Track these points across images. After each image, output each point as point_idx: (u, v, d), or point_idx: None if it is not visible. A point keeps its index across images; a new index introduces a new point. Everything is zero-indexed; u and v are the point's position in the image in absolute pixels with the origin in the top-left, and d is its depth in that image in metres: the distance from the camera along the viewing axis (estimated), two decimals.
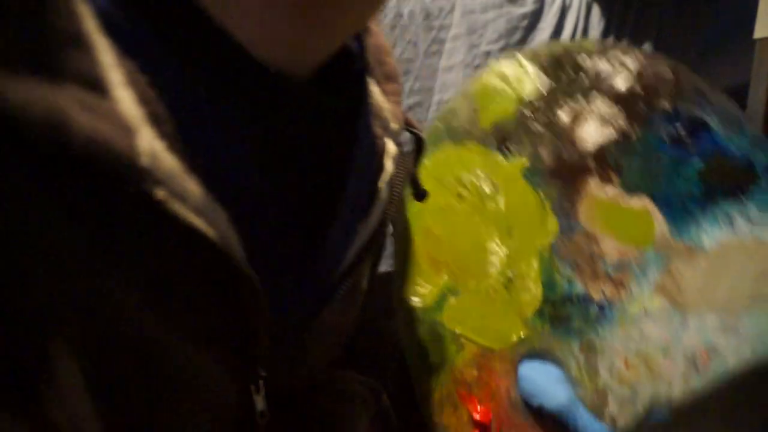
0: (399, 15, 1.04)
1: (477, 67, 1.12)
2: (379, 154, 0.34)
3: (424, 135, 0.40)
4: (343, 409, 0.36)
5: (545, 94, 0.36)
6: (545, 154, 0.36)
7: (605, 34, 1.34)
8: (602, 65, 0.37)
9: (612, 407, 0.34)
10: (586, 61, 0.37)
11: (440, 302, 0.36)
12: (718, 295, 0.34)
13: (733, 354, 0.33)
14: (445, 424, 0.35)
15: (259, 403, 0.30)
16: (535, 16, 1.19)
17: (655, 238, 0.35)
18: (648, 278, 0.35)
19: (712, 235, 0.35)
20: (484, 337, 0.35)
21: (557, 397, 0.33)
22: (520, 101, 0.37)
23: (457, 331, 0.36)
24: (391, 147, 0.35)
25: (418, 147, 0.40)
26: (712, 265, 0.35)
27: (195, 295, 0.25)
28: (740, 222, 0.34)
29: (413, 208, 0.37)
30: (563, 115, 0.36)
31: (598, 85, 0.36)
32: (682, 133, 0.36)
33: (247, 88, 0.25)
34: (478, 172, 0.36)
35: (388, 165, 0.35)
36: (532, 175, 0.36)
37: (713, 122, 0.36)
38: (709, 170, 0.35)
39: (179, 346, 0.25)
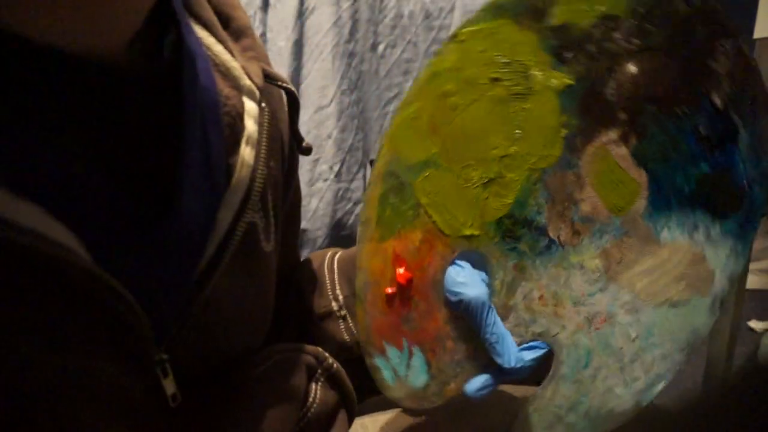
0: (399, 15, 1.04)
1: None
2: (232, 115, 0.33)
3: (292, 88, 0.40)
4: (257, 379, 0.37)
5: (629, 23, 0.35)
6: (590, 82, 0.35)
7: None
8: (700, 26, 0.36)
9: (508, 324, 0.37)
10: (683, 16, 0.36)
11: (421, 167, 0.36)
12: (642, 283, 0.37)
13: (621, 329, 0.37)
14: (370, 270, 0.38)
15: (169, 386, 0.31)
16: None
17: (629, 212, 0.36)
18: (600, 241, 0.37)
19: (672, 233, 0.37)
20: (441, 218, 0.37)
21: (478, 289, 0.36)
22: (601, 16, 0.35)
23: (422, 200, 0.36)
24: (249, 106, 0.34)
25: (290, 101, 0.40)
26: (654, 257, 0.37)
27: (61, 309, 0.26)
28: (700, 234, 0.37)
29: (445, 63, 0.36)
30: (630, 54, 0.35)
31: (683, 42, 0.36)
32: (713, 137, 0.36)
33: (45, 83, 0.25)
34: (522, 64, 0.35)
35: (249, 125, 0.34)
36: (565, 95, 0.35)
37: (743, 139, 0.36)
38: (709, 180, 0.36)
39: (68, 359, 0.26)
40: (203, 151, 0.31)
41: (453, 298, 0.36)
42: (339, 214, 1.03)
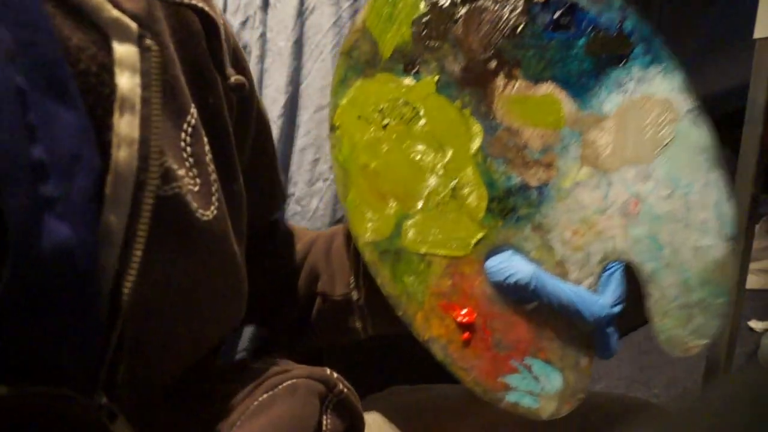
0: None
1: None
2: (90, 74, 0.24)
3: (202, 6, 0.32)
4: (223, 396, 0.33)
5: (430, 8, 0.38)
6: (449, 65, 0.38)
7: None
8: None
9: (573, 273, 0.38)
10: None
11: (397, 230, 0.38)
12: (628, 152, 0.39)
13: (653, 195, 0.38)
14: (436, 336, 0.38)
15: (122, 429, 0.26)
16: None
17: (566, 117, 0.39)
18: (570, 153, 0.39)
19: (610, 101, 0.39)
20: (447, 249, 0.38)
21: (524, 270, 0.36)
22: (412, 22, 0.39)
23: (422, 251, 0.38)
24: (122, 51, 0.25)
25: (204, 23, 0.32)
26: (616, 127, 0.39)
27: None
28: (628, 84, 0.39)
29: (344, 152, 0.39)
30: (453, 25, 0.39)
31: None
32: (560, 17, 0.39)
33: None
34: (394, 99, 0.39)
35: (124, 82, 0.25)
36: (444, 88, 0.38)
37: (582, 2, 0.39)
38: (591, 44, 0.39)
39: None
40: (22, 144, 0.21)
41: (511, 290, 0.37)
42: (339, 214, 1.02)
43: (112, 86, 0.25)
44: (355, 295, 0.43)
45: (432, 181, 0.38)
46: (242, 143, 0.39)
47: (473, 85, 0.39)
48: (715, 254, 0.39)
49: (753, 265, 1.44)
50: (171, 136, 0.29)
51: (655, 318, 0.39)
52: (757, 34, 0.82)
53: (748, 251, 0.86)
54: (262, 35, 0.96)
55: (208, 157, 0.32)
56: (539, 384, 0.38)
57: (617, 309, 0.37)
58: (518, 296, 0.37)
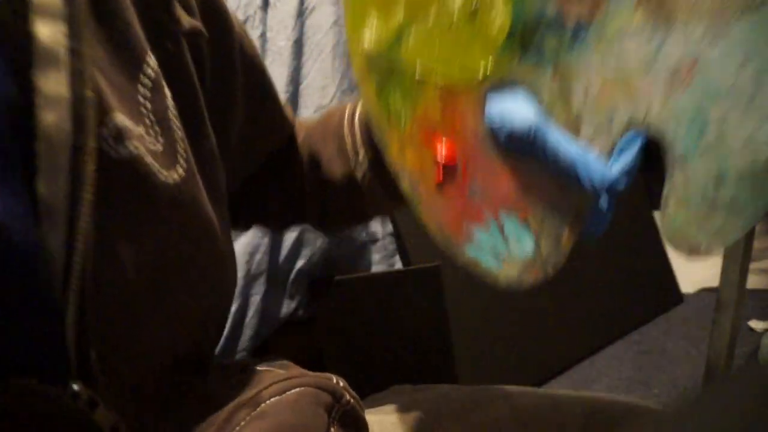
0: None
1: None
2: None
3: None
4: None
5: None
6: None
7: None
8: None
9: (586, 132, 0.32)
10: None
11: (399, 39, 0.31)
12: (705, 6, 0.31)
13: (719, 63, 0.32)
14: (409, 168, 0.32)
15: (104, 419, 0.24)
16: None
17: None
18: None
19: None
20: (448, 72, 0.32)
21: (525, 115, 0.31)
22: None
23: (419, 68, 0.32)
24: None
25: None
26: None
27: None
28: None
29: None
30: None
31: None
32: None
33: None
34: None
35: (44, 32, 0.22)
36: None
37: None
38: None
39: None
40: None
41: (502, 135, 0.31)
42: None
43: (29, 37, 0.21)
44: (358, 172, 0.39)
45: None
46: (231, 96, 0.36)
47: None
48: None
49: (753, 265, 1.44)
50: (125, 89, 0.25)
51: (669, 204, 0.33)
52: None
53: (748, 251, 0.86)
54: (262, 35, 0.96)
55: (171, 113, 0.29)
56: (507, 246, 0.33)
57: (622, 183, 0.32)
58: (512, 145, 0.32)
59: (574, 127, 0.32)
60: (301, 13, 0.99)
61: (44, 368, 0.23)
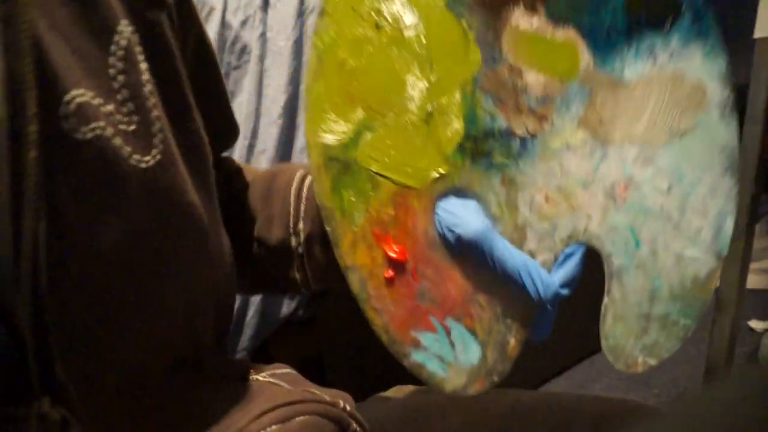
0: None
1: None
2: None
3: None
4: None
5: None
6: None
7: None
8: None
9: (531, 242, 0.34)
10: None
11: (356, 139, 0.33)
12: (637, 129, 0.34)
13: (649, 184, 0.34)
14: (359, 265, 0.33)
15: None
16: None
17: (580, 71, 0.35)
18: (571, 112, 0.34)
19: (634, 68, 0.35)
20: (402, 175, 0.33)
21: (474, 224, 0.32)
22: None
23: (373, 168, 0.33)
24: None
25: None
26: (632, 99, 0.35)
27: None
28: (661, 55, 0.35)
29: (326, 41, 0.33)
30: None
31: None
32: None
33: None
34: (398, 1, 0.33)
35: None
36: (455, 3, 0.33)
37: None
38: (634, 2, 0.34)
39: None
40: None
41: (452, 242, 0.32)
42: None
43: None
44: (293, 242, 0.38)
45: (408, 97, 0.33)
46: (194, 60, 0.34)
47: (487, 8, 0.34)
48: (698, 269, 0.35)
49: (753, 265, 1.44)
50: (92, 59, 0.23)
51: (606, 319, 0.35)
52: (757, 33, 0.82)
53: (748, 251, 0.86)
54: (262, 35, 0.96)
55: (147, 89, 0.26)
56: (453, 352, 0.33)
57: (565, 291, 0.34)
58: (460, 251, 0.33)
59: (519, 236, 0.34)
60: (301, 13, 0.99)
61: (3, 386, 0.20)
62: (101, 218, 0.24)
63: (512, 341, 0.34)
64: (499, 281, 0.33)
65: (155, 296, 0.27)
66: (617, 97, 0.35)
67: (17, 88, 0.19)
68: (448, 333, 0.34)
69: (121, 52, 0.24)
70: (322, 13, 0.34)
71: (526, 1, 0.34)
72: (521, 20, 0.34)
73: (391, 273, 0.33)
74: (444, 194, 0.34)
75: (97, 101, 0.23)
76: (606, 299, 0.35)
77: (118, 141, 0.24)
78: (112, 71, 0.24)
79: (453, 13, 0.33)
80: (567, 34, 0.34)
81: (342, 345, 0.90)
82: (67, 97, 0.22)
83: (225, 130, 0.40)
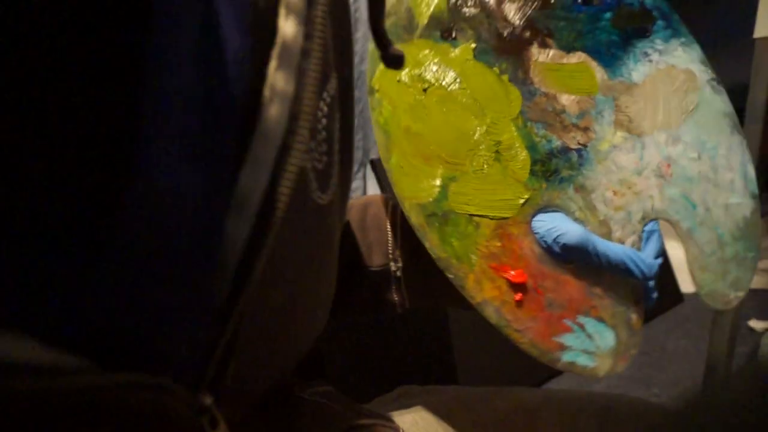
0: None
1: None
2: (259, 7, 0.21)
3: None
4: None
5: None
6: (485, 33, 0.40)
7: None
8: None
9: (617, 232, 0.40)
10: None
11: (444, 192, 0.38)
12: (658, 117, 0.42)
13: (684, 158, 0.42)
14: (489, 299, 0.37)
15: None
16: None
17: (599, 84, 0.42)
18: (605, 118, 0.41)
19: (638, 70, 0.42)
20: (494, 210, 0.38)
21: (574, 231, 0.37)
22: None
23: (469, 212, 0.38)
24: None
25: None
26: (646, 94, 0.42)
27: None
28: (653, 55, 0.43)
29: (385, 114, 0.38)
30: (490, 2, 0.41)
31: None
32: None
33: None
34: (433, 64, 0.39)
35: (288, 28, 0.21)
36: (481, 55, 0.40)
37: None
38: (617, 18, 0.42)
39: None
40: (198, 66, 0.19)
41: (559, 249, 0.37)
42: None
43: (274, 31, 0.21)
44: (393, 266, 0.42)
45: (475, 143, 0.39)
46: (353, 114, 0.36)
47: (509, 52, 0.40)
48: (743, 211, 0.41)
49: None
50: (311, 100, 0.24)
51: (695, 273, 0.41)
52: (757, 33, 0.82)
53: None
54: None
55: (337, 136, 0.28)
56: (593, 342, 0.38)
57: (659, 261, 0.39)
58: (567, 256, 0.38)
59: (606, 230, 0.40)
60: None
61: (180, 373, 0.21)
62: (293, 243, 0.25)
63: (634, 316, 0.39)
64: (605, 272, 0.39)
65: (296, 325, 0.28)
66: (635, 97, 0.42)
67: (298, 111, 0.22)
68: (583, 328, 0.38)
69: (329, 100, 0.26)
70: (371, 90, 0.39)
71: (537, 40, 0.41)
72: (540, 55, 0.41)
73: (519, 296, 0.38)
74: (534, 215, 0.39)
75: (307, 138, 0.24)
76: (688, 259, 0.41)
77: (311, 175, 0.25)
78: (319, 113, 0.26)
79: (483, 63, 0.40)
80: (579, 58, 0.41)
81: (343, 346, 0.90)
82: (307, 126, 0.23)
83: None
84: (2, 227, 0.16)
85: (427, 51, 0.39)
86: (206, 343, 0.21)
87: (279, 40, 0.21)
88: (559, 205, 0.39)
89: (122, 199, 0.17)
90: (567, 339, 0.38)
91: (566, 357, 0.38)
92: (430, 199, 0.38)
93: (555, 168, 0.40)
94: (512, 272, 0.38)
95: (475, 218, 0.38)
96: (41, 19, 0.15)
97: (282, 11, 0.21)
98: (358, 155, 1.03)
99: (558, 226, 0.38)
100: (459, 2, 0.40)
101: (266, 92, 0.21)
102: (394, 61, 0.29)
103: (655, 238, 0.40)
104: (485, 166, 0.38)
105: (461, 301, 0.38)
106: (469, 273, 0.37)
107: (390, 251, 0.42)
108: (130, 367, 0.19)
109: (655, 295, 0.40)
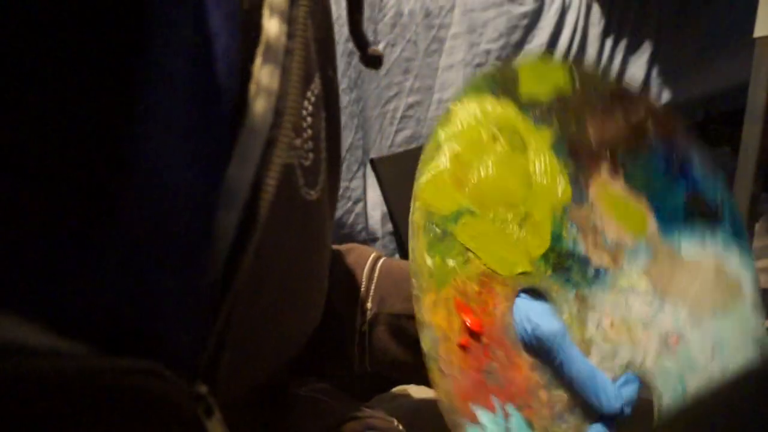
0: (399, 14, 1.04)
1: (477, 65, 1.12)
2: (247, 11, 0.22)
3: None
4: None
5: (573, 92, 0.41)
6: (568, 135, 0.40)
7: (605, 33, 1.33)
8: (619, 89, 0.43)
9: (594, 359, 0.37)
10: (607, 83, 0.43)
11: (457, 216, 0.36)
12: (689, 294, 0.40)
13: (697, 345, 0.39)
14: (436, 325, 0.34)
15: (216, 429, 0.23)
16: (535, 15, 1.19)
17: (648, 234, 0.40)
18: (638, 262, 0.40)
19: (689, 247, 0.41)
20: (492, 260, 0.36)
21: (553, 324, 0.34)
22: (556, 91, 0.40)
23: (469, 245, 0.36)
24: None
25: None
26: (685, 271, 0.40)
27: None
28: (710, 245, 0.41)
29: (447, 132, 0.38)
30: (586, 113, 0.41)
31: (620, 104, 0.42)
32: (675, 161, 0.42)
33: None
34: (512, 127, 0.39)
35: (272, 27, 0.23)
36: (555, 147, 0.39)
37: (696, 161, 0.42)
38: (691, 200, 0.41)
39: None
40: (191, 62, 0.20)
41: (528, 333, 0.34)
42: (339, 213, 1.02)
43: (258, 30, 0.23)
44: (359, 319, 0.39)
45: (508, 203, 0.38)
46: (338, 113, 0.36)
47: (580, 159, 0.40)
48: None
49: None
50: (295, 100, 0.26)
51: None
52: (757, 33, 0.82)
53: None
54: None
55: (323, 134, 0.29)
56: None
57: (628, 410, 0.35)
58: (532, 344, 0.34)
59: (585, 349, 0.37)
60: None
61: (175, 360, 0.21)
62: (281, 235, 0.26)
63: None
64: (561, 384, 0.35)
65: (291, 315, 0.29)
66: (674, 266, 0.40)
67: (283, 106, 0.23)
68: (506, 418, 0.34)
69: (313, 98, 0.28)
70: (449, 110, 0.38)
71: (611, 165, 0.40)
72: (606, 176, 0.40)
73: (466, 341, 0.34)
74: (525, 290, 0.37)
75: (292, 134, 0.25)
76: (656, 413, 0.38)
77: (298, 171, 0.27)
78: (305, 112, 0.27)
79: (554, 153, 0.40)
80: (640, 202, 0.41)
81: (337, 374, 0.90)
82: (291, 121, 0.24)
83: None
84: (4, 214, 0.16)
85: (513, 115, 0.39)
86: (200, 331, 0.22)
87: (264, 38, 0.22)
88: (553, 298, 0.37)
89: (121, 189, 0.18)
90: (484, 416, 0.34)
91: (471, 431, 0.33)
92: (440, 214, 0.36)
93: (568, 266, 0.38)
94: (472, 318, 0.35)
95: (470, 254, 0.36)
96: (39, 16, 0.16)
97: (266, 11, 0.23)
98: (358, 155, 1.02)
99: (539, 310, 0.35)
100: (558, 102, 0.40)
101: (252, 88, 0.22)
102: (372, 62, 0.31)
103: (631, 388, 0.35)
104: (505, 224, 0.37)
105: (424, 378, 0.34)
106: (432, 292, 0.35)
107: (360, 302, 0.39)
108: (128, 353, 0.19)
109: None
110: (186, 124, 0.20)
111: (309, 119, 0.27)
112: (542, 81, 0.40)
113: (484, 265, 0.36)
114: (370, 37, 1.05)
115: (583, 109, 0.41)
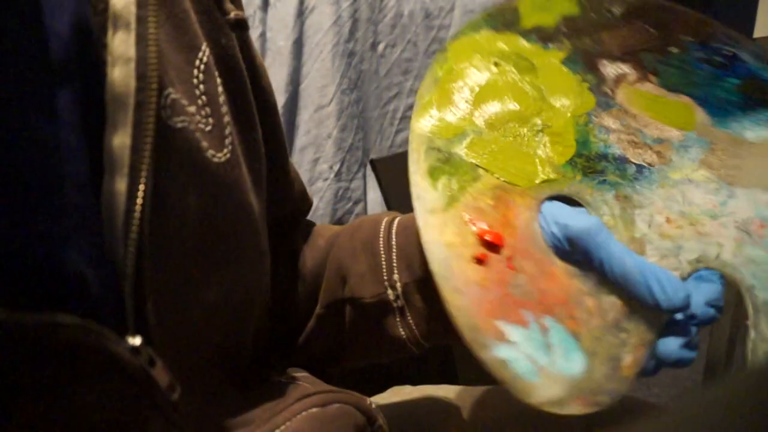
0: (399, 14, 1.04)
1: None
2: None
3: None
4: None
5: (582, 12, 0.38)
6: (583, 50, 0.37)
7: None
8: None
9: (651, 257, 0.32)
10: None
11: (462, 139, 0.33)
12: (765, 178, 0.34)
13: None
14: (444, 243, 0.29)
15: (162, 377, 0.24)
16: None
17: (696, 125, 0.36)
18: (690, 154, 0.35)
19: (754, 131, 0.36)
20: (507, 173, 0.33)
21: (584, 220, 0.30)
22: (562, 16, 0.38)
23: (479, 163, 0.32)
24: None
25: None
26: (756, 154, 0.35)
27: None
28: None
29: (444, 68, 0.35)
30: (600, 30, 0.38)
31: (636, 13, 0.38)
32: (718, 59, 0.37)
33: None
34: (515, 53, 0.36)
35: None
36: (570, 63, 0.37)
37: (746, 56, 0.37)
38: (746, 86, 0.37)
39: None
40: (34, 35, 0.22)
41: (559, 237, 0.30)
42: (339, 214, 1.02)
43: (105, 2, 0.24)
44: (390, 295, 0.36)
45: (520, 118, 0.35)
46: (252, 79, 0.37)
47: (599, 72, 0.37)
48: None
49: None
50: (181, 69, 0.28)
51: (757, 355, 0.32)
52: (757, 33, 0.82)
53: None
54: (262, 35, 0.96)
55: (222, 99, 0.30)
56: (548, 354, 0.28)
57: (709, 312, 0.29)
58: (568, 248, 0.30)
59: (637, 247, 0.32)
60: (301, 13, 0.99)
61: (103, 314, 0.22)
62: (184, 194, 0.27)
63: (627, 358, 0.29)
64: (612, 288, 0.30)
65: (218, 275, 0.30)
66: (739, 151, 0.35)
67: (144, 70, 0.24)
68: (543, 331, 0.29)
69: (203, 66, 0.29)
70: (443, 49, 0.36)
71: (637, 74, 0.37)
72: (634, 81, 0.37)
73: (483, 255, 0.29)
74: (550, 198, 0.33)
75: (183, 101, 0.27)
76: (753, 334, 0.31)
77: (198, 135, 0.28)
78: (195, 80, 0.29)
79: (568, 67, 0.37)
80: (682, 99, 0.37)
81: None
82: (165, 92, 0.26)
83: (285, 184, 0.40)
84: None
85: (517, 43, 0.37)
86: (113, 282, 0.24)
87: (111, 10, 0.24)
88: (587, 201, 0.33)
89: (13, 152, 0.21)
90: (514, 331, 0.28)
91: (500, 352, 0.28)
92: (444, 138, 0.33)
93: (601, 169, 0.35)
94: (488, 231, 0.30)
95: (480, 171, 0.32)
96: None
97: None
98: (358, 156, 1.03)
99: (570, 213, 0.31)
100: (569, 26, 0.37)
101: (108, 57, 0.24)
102: (235, 27, 0.33)
103: (711, 286, 0.30)
104: (518, 137, 0.34)
105: None
106: (439, 213, 0.30)
107: (386, 278, 0.36)
108: (49, 309, 0.20)
109: (676, 351, 0.29)
110: (57, 97, 0.22)
111: (202, 86, 0.29)
112: (546, 10, 0.38)
113: (498, 178, 0.32)
114: (371, 37, 1.05)
115: (597, 26, 0.38)
